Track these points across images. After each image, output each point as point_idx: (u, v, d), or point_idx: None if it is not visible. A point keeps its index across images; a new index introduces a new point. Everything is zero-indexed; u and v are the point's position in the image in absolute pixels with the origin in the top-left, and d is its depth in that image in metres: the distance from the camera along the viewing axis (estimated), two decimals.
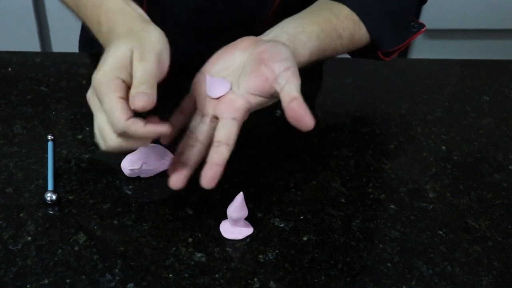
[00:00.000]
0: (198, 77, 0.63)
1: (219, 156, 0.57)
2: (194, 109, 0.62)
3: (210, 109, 0.60)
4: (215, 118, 0.59)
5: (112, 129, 0.53)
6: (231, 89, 0.60)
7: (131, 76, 0.54)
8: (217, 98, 0.60)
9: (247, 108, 0.59)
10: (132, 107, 0.52)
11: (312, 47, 0.66)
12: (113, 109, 0.52)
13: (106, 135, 0.54)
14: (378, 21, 0.73)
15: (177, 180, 0.58)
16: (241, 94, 0.59)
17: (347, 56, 0.88)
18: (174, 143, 0.64)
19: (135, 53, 0.54)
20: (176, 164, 0.59)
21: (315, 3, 0.74)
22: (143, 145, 0.56)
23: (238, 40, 0.64)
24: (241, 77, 0.60)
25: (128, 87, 0.54)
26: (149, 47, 0.54)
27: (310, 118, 0.57)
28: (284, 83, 0.58)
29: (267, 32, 0.66)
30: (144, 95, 0.52)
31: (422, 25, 0.78)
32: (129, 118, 0.52)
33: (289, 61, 0.59)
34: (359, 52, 0.78)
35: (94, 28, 0.65)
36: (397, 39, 0.76)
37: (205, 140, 0.59)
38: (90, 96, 0.57)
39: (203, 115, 0.60)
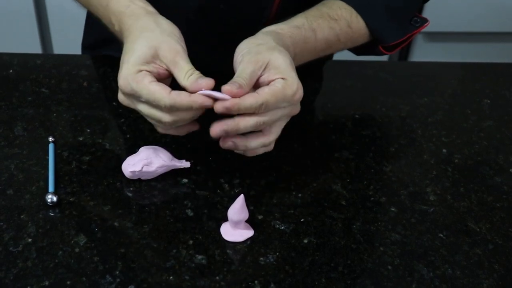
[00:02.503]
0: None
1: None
2: None
3: None
4: None
5: (161, 110, 0.58)
6: None
7: (155, 68, 0.59)
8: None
9: None
10: (201, 86, 0.57)
11: (298, 22, 0.68)
12: (153, 91, 0.57)
13: (157, 117, 0.59)
14: (375, 13, 0.74)
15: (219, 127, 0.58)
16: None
17: (348, 58, 0.89)
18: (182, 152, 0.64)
19: (163, 47, 0.59)
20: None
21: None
22: (195, 116, 0.59)
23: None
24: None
25: (154, 76, 0.59)
26: (173, 41, 0.60)
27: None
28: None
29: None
30: (206, 79, 0.58)
31: (425, 20, 0.78)
32: (171, 91, 0.57)
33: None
34: (361, 49, 0.78)
35: (109, 27, 0.68)
36: (398, 33, 0.76)
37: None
38: (123, 98, 0.61)
39: None
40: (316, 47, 0.70)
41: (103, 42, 0.93)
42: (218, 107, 0.56)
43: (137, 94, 0.58)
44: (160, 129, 0.63)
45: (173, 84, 0.60)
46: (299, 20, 0.69)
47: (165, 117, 0.58)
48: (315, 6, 0.73)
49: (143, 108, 0.60)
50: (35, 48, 1.76)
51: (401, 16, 0.77)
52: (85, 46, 1.00)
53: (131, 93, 0.59)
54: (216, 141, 0.60)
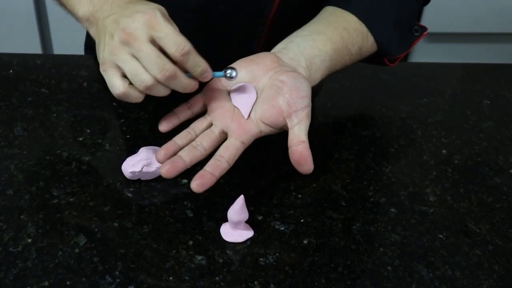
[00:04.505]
0: (215, 83, 0.63)
1: (218, 169, 0.59)
2: (201, 110, 0.64)
3: (222, 122, 0.62)
4: (224, 132, 0.62)
5: (175, 51, 0.56)
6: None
7: None
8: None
9: (257, 135, 0.62)
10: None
11: (324, 69, 0.68)
12: (177, 33, 0.56)
13: (160, 60, 0.56)
14: (385, 30, 0.73)
15: (171, 171, 0.59)
16: (255, 119, 0.62)
17: None
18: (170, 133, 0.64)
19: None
20: (173, 157, 0.60)
21: (325, 10, 0.74)
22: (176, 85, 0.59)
23: (260, 56, 0.65)
24: (258, 101, 0.62)
25: None
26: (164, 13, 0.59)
27: (311, 163, 0.61)
28: (296, 122, 0.61)
29: (282, 45, 0.68)
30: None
31: (425, 29, 0.78)
32: None
33: (306, 99, 0.62)
34: (365, 59, 0.78)
35: (74, 8, 0.67)
36: (403, 45, 0.76)
37: (210, 149, 0.61)
38: (138, 26, 0.57)
39: (211, 124, 0.63)
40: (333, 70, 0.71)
41: None
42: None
43: (159, 26, 0.56)
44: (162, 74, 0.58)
45: None
46: (327, 64, 0.69)
47: (168, 65, 0.56)
48: (338, 31, 0.70)
49: (148, 48, 0.56)
50: (35, 48, 1.76)
51: (405, 27, 0.77)
52: (87, 46, 1.00)
53: (154, 21, 0.56)
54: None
